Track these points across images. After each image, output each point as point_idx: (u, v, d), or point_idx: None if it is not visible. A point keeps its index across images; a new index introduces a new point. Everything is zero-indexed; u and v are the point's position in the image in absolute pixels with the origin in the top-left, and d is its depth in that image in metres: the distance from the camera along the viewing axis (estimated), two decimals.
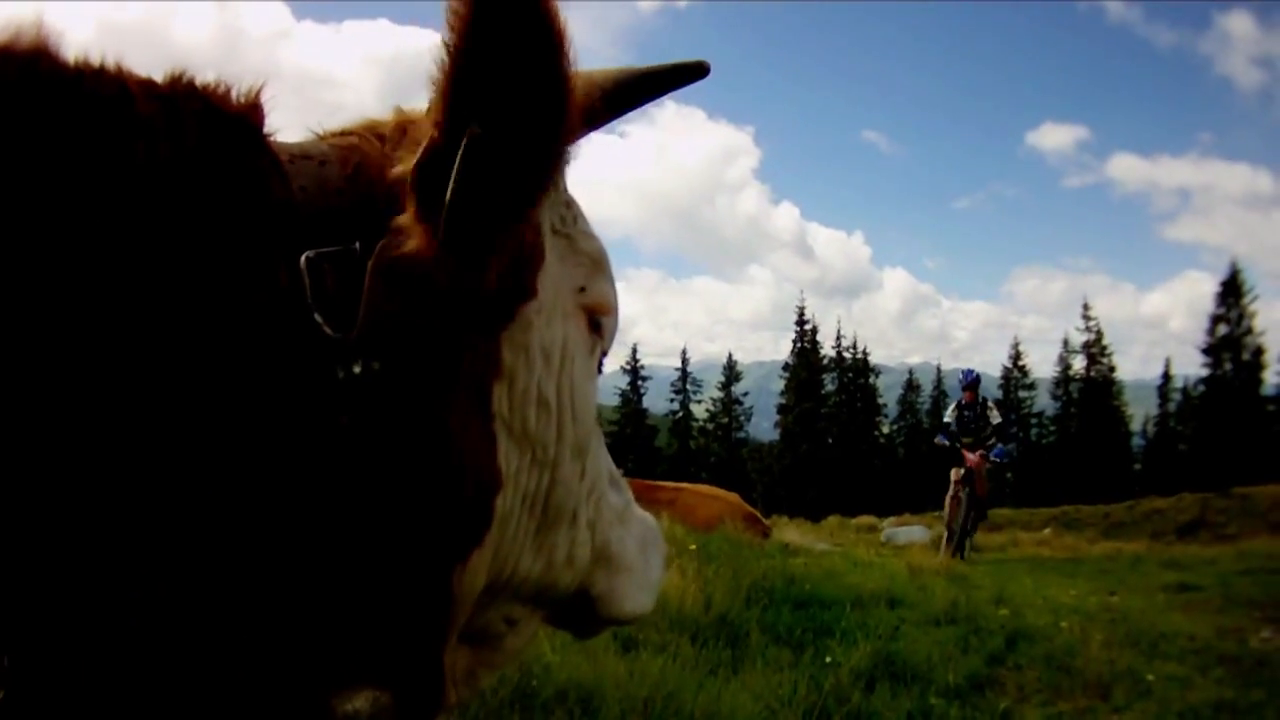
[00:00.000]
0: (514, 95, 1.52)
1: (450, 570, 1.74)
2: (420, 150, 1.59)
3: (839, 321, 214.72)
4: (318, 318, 1.51)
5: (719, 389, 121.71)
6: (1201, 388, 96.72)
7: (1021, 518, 57.38)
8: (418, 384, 1.61)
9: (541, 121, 1.57)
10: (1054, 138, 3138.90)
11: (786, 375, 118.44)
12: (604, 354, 2.22)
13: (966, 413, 26.48)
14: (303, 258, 1.53)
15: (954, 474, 25.17)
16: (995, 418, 26.44)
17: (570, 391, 1.99)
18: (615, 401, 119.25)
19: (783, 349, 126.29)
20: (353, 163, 1.78)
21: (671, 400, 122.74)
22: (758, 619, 11.55)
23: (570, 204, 2.10)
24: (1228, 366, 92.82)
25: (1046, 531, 45.67)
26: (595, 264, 2.13)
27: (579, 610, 2.32)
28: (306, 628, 1.52)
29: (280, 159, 1.65)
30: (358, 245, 1.61)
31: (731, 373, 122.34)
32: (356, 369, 1.53)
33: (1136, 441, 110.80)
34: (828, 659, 9.79)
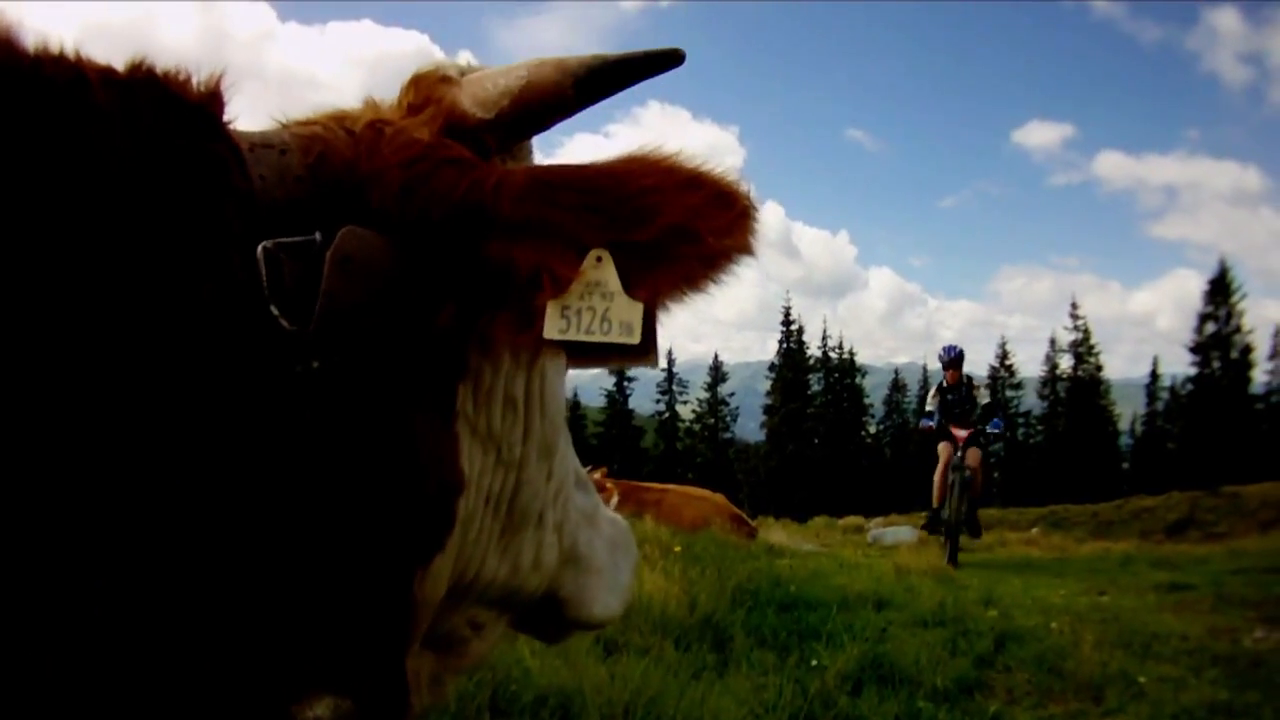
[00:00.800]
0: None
1: (412, 574, 1.73)
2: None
3: (825, 321, 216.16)
4: (274, 310, 1.49)
5: (705, 389, 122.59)
6: (1190, 386, 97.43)
7: (1009, 518, 57.77)
8: (378, 381, 1.62)
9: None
10: (1040, 136, 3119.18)
11: (773, 376, 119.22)
12: None
13: (950, 395, 23.54)
14: (260, 248, 1.50)
15: (942, 449, 22.90)
16: (984, 397, 23.66)
17: (540, 390, 2.01)
18: (601, 402, 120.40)
19: (769, 349, 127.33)
20: (315, 152, 1.74)
21: (658, 401, 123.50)
22: (743, 621, 11.47)
23: None
24: (1216, 365, 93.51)
25: (1034, 531, 46.00)
26: None
27: (546, 614, 2.30)
28: (263, 631, 1.49)
29: (240, 147, 1.63)
30: (318, 236, 1.57)
31: (718, 373, 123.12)
32: (315, 364, 1.52)
33: (1124, 440, 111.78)
34: (814, 662, 9.73)
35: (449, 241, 1.66)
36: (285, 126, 1.87)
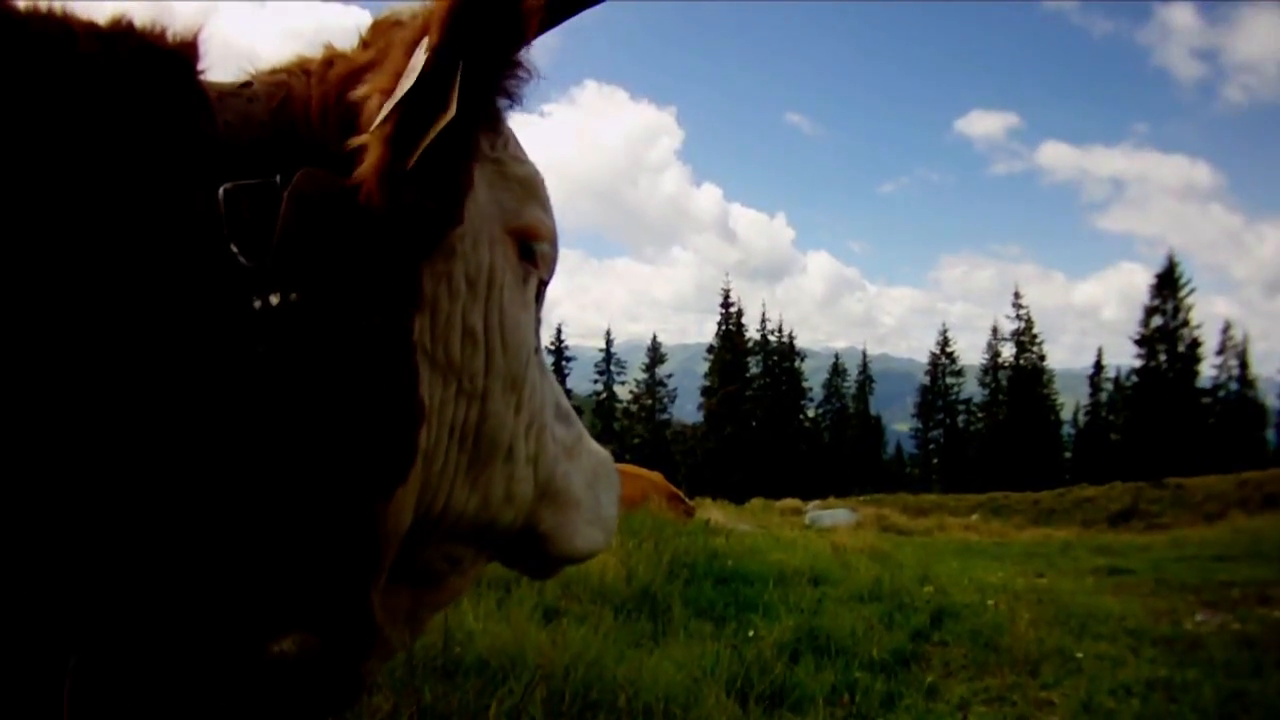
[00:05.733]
0: (497, 27, 1.67)
1: (373, 506, 1.75)
2: (413, 75, 1.63)
3: (764, 305, 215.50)
4: (233, 248, 1.56)
5: (643, 370, 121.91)
6: (1134, 378, 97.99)
7: (948, 503, 58.07)
8: (334, 314, 1.66)
9: (511, 46, 1.74)
10: (983, 124, 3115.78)
11: (711, 358, 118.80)
12: (543, 283, 2.26)
13: None
14: (221, 189, 1.58)
15: None
16: None
17: (499, 321, 2.03)
18: None
19: (707, 331, 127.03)
20: (278, 98, 1.84)
21: (595, 381, 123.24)
22: (680, 593, 11.61)
23: (500, 130, 2.13)
24: (1162, 358, 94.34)
25: (974, 517, 46.37)
26: (526, 189, 2.15)
27: (527, 549, 2.34)
28: (225, 563, 1.54)
29: (208, 94, 1.72)
30: (279, 177, 1.66)
31: (655, 354, 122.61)
32: (274, 299, 1.58)
33: (1067, 430, 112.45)
34: (750, 633, 9.87)
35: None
36: (255, 76, 1.95)
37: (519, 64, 1.83)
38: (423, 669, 6.11)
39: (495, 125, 2.08)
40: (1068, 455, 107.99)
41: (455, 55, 1.62)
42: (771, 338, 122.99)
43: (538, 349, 2.26)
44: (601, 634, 8.13)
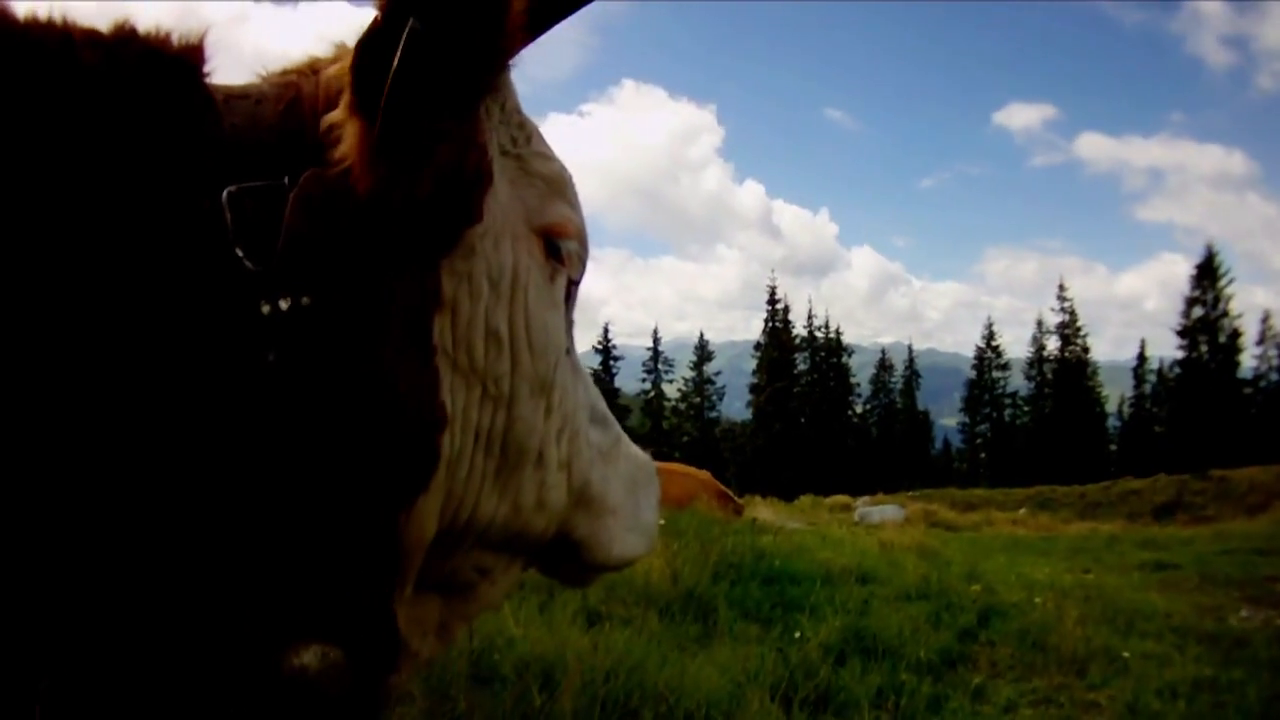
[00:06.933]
0: None
1: (395, 516, 1.68)
2: (362, 32, 1.56)
3: (810, 301, 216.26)
4: (238, 252, 1.50)
5: (691, 369, 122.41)
6: (1177, 370, 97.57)
7: (996, 498, 58.09)
8: (348, 318, 1.58)
9: (484, 7, 1.58)
10: (1021, 117, 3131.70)
11: (758, 355, 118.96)
12: (573, 283, 2.13)
13: None
14: (225, 192, 1.52)
15: None
16: None
17: (525, 322, 1.93)
18: None
19: (754, 328, 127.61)
20: (286, 99, 1.76)
21: (643, 380, 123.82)
22: (726, 594, 11.51)
23: (523, 125, 2.04)
24: (1204, 349, 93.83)
25: (1021, 512, 46.33)
26: (552, 186, 2.06)
27: (563, 556, 2.27)
28: (241, 574, 1.47)
29: (215, 98, 1.66)
30: (286, 179, 1.58)
31: (703, 352, 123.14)
32: (284, 304, 1.51)
33: (1112, 422, 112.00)
34: (797, 634, 9.75)
35: None
36: (265, 78, 1.88)
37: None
38: (458, 676, 6.02)
39: (502, 103, 1.98)
40: (1113, 448, 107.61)
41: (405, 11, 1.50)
42: (818, 334, 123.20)
43: (569, 350, 2.15)
44: (645, 638, 8.05)
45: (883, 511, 39.79)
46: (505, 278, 1.88)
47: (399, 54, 1.48)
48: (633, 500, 2.41)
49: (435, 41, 1.51)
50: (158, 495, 1.39)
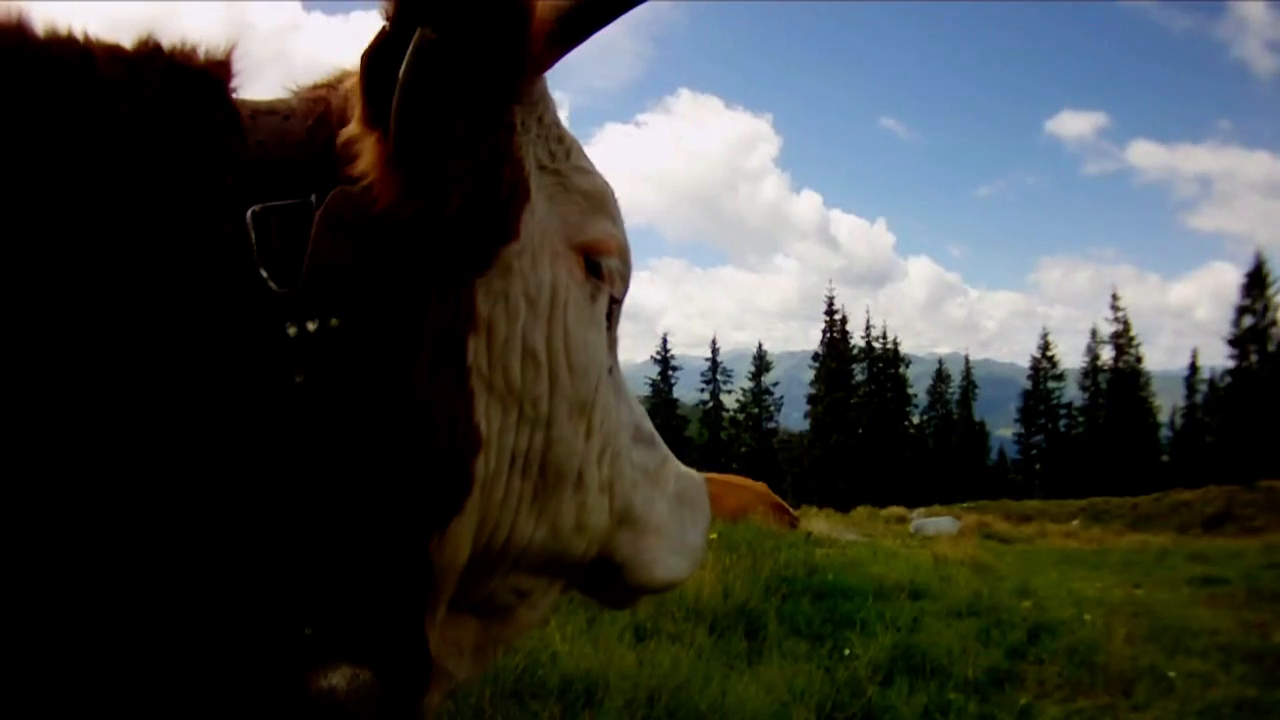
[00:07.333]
0: None
1: (426, 539, 1.66)
2: (370, 42, 1.54)
3: (868, 311, 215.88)
4: (263, 273, 1.47)
5: (749, 379, 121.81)
6: (1228, 379, 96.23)
7: (1050, 509, 57.58)
8: (378, 340, 1.56)
9: (499, 15, 1.55)
10: (1073, 125, 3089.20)
11: (817, 365, 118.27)
12: (615, 301, 2.07)
13: None
14: (249, 212, 1.49)
15: None
16: None
17: (564, 342, 1.87)
18: (645, 391, 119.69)
19: (811, 338, 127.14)
20: (315, 115, 1.73)
21: (702, 390, 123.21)
22: (777, 609, 11.43)
23: (563, 139, 1.96)
24: (1254, 358, 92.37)
25: (1075, 523, 45.94)
26: (592, 201, 1.99)
27: (604, 578, 2.21)
28: (269, 599, 1.46)
29: (241, 114, 1.63)
30: (314, 198, 1.56)
31: (761, 363, 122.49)
32: (311, 326, 1.49)
33: (1164, 433, 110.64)
34: (846, 650, 9.70)
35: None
36: (295, 93, 1.86)
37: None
38: (501, 693, 6.01)
39: (539, 115, 1.91)
40: (1165, 458, 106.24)
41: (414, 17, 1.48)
42: (876, 344, 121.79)
43: (611, 370, 2.09)
44: (693, 654, 8.02)
45: (938, 523, 39.54)
46: (544, 296, 1.84)
47: (406, 65, 1.47)
48: (678, 521, 2.35)
49: (446, 52, 1.49)
50: (186, 514, 1.38)
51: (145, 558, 1.35)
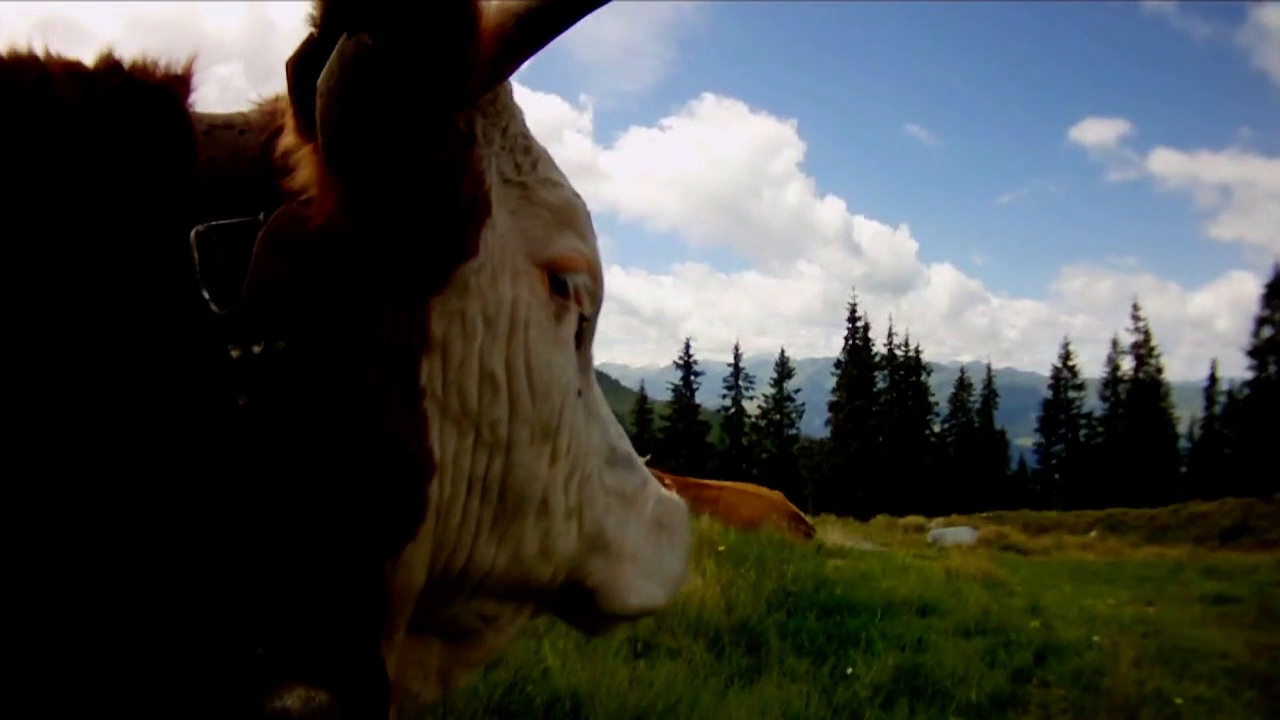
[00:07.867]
0: None
1: (380, 562, 1.61)
2: (296, 48, 1.50)
3: (890, 318, 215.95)
4: (204, 294, 1.45)
5: (771, 385, 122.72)
6: (1247, 391, 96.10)
7: (1068, 520, 57.82)
8: (326, 361, 1.51)
9: (435, 20, 1.47)
10: (1096, 132, 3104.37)
11: (838, 372, 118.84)
12: (584, 319, 1.98)
13: None
14: (193, 231, 1.47)
15: None
16: None
17: (525, 363, 1.80)
18: (667, 397, 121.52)
19: (834, 345, 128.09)
20: (270, 129, 1.68)
21: (724, 396, 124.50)
22: (780, 625, 11.25)
23: (529, 150, 1.90)
24: (1273, 369, 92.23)
25: (1092, 535, 46.08)
26: (559, 216, 1.91)
27: (574, 604, 2.16)
28: (218, 620, 1.43)
29: (196, 130, 1.62)
30: (262, 215, 1.53)
31: (784, 369, 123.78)
32: (256, 348, 1.45)
33: (1183, 444, 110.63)
34: (848, 670, 9.52)
35: None
36: (257, 104, 1.80)
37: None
38: (486, 709, 5.85)
39: (503, 126, 1.83)
40: (1183, 470, 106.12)
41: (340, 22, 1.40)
42: (898, 352, 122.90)
43: (581, 391, 2.01)
44: (690, 672, 7.86)
45: (956, 534, 39.69)
46: (503, 316, 1.75)
47: (326, 73, 1.39)
48: (655, 546, 2.29)
49: (373, 59, 1.40)
50: (129, 536, 1.35)
51: (87, 582, 1.33)
